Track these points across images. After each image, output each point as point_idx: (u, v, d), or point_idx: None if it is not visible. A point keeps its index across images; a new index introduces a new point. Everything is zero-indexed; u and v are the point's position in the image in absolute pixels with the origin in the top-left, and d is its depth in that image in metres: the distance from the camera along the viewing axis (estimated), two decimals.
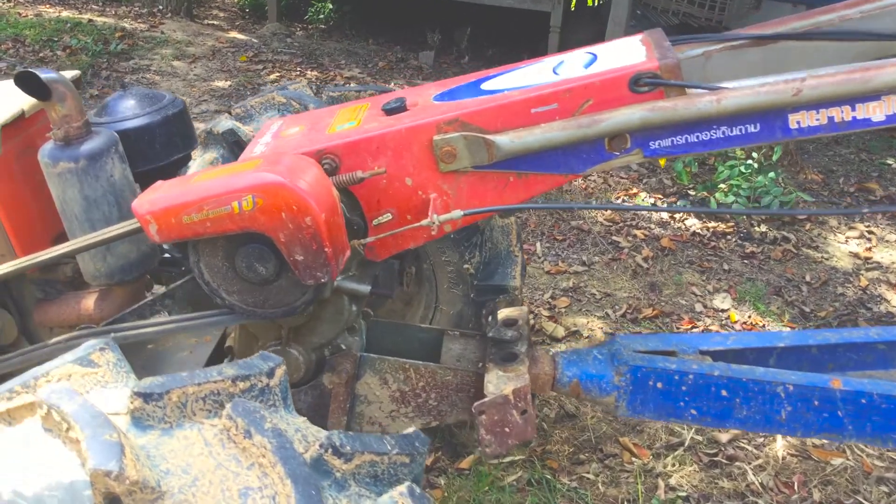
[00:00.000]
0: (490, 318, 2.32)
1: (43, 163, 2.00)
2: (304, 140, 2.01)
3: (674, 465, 3.31)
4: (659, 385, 2.23)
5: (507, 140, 1.86)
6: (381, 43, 8.78)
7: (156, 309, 2.09)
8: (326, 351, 2.25)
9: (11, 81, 2.40)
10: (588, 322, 4.15)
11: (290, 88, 3.03)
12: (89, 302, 2.21)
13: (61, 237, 2.27)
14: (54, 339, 2.04)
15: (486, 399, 2.06)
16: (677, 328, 4.14)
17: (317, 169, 1.83)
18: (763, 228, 5.06)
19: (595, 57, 1.94)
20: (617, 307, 4.29)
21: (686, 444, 3.38)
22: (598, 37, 8.71)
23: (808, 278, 4.62)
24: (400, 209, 1.99)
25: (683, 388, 2.23)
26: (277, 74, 7.45)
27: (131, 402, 1.42)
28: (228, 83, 7.15)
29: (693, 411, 2.25)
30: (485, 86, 2.01)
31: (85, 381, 1.54)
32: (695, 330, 4.15)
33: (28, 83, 1.93)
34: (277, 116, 2.95)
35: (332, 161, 1.95)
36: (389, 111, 2.02)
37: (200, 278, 1.89)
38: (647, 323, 4.16)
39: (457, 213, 1.89)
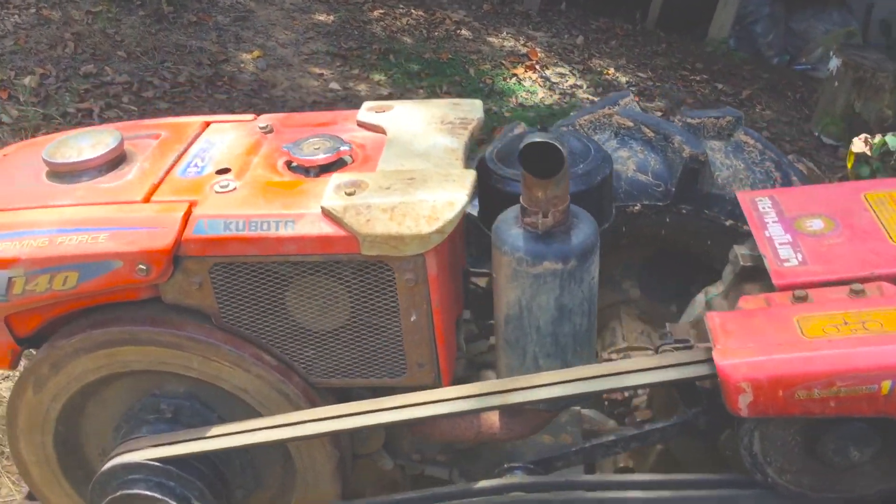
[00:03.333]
0: None
1: (515, 258, 1.44)
2: (868, 254, 1.47)
3: None
4: None
5: None
6: None
7: (612, 451, 1.57)
8: None
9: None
10: None
11: (621, 103, 2.44)
12: (494, 417, 1.67)
13: None
14: None
15: None
16: None
17: None
18: None
19: None
20: None
21: None
22: (705, 5, 8.04)
23: None
24: None
25: None
26: (381, 11, 6.71)
27: None
28: (331, 18, 6.42)
29: None
30: None
31: None
32: None
33: (534, 156, 1.34)
34: (611, 139, 2.37)
35: None
36: None
37: (746, 449, 1.38)
38: None
39: None
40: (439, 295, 1.49)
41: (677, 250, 2.29)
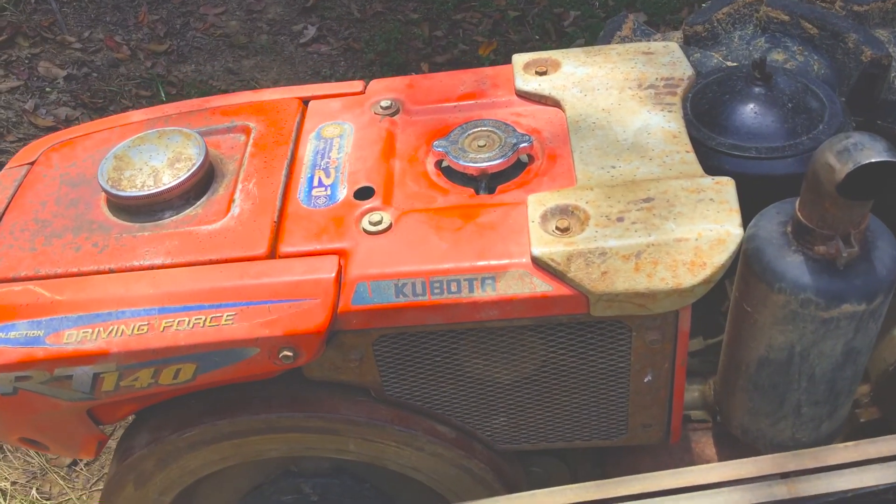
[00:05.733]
0: None
1: (798, 299, 1.05)
2: None
3: None
4: None
5: None
6: None
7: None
8: None
9: None
10: None
11: None
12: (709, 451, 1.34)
13: None
14: None
15: None
16: None
17: None
18: None
19: None
20: None
21: None
22: None
23: None
24: None
25: None
26: None
27: None
28: None
29: None
30: None
31: None
32: None
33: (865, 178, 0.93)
34: (757, 36, 1.92)
35: None
36: None
37: None
38: None
39: None
40: (685, 350, 1.11)
41: None
